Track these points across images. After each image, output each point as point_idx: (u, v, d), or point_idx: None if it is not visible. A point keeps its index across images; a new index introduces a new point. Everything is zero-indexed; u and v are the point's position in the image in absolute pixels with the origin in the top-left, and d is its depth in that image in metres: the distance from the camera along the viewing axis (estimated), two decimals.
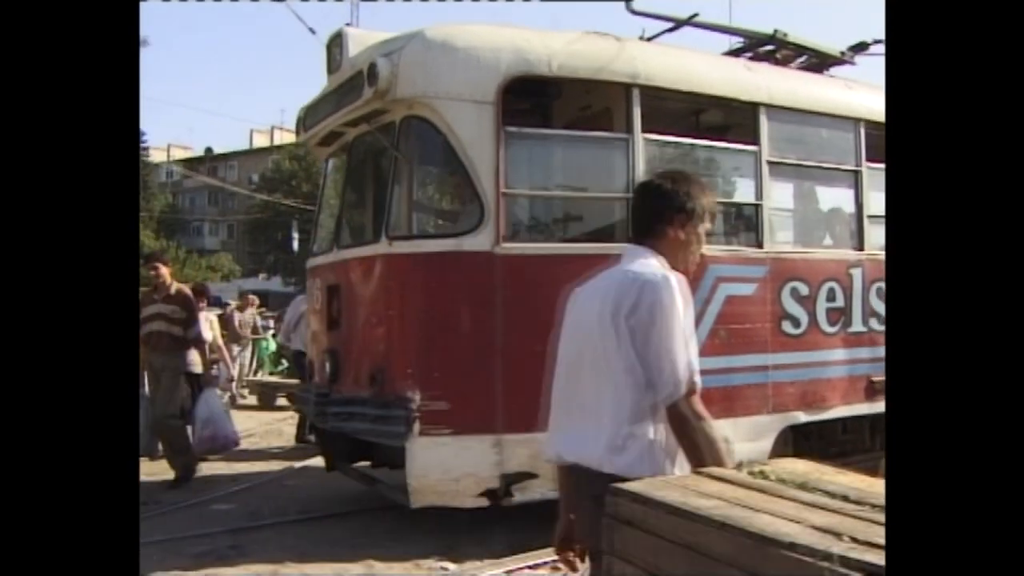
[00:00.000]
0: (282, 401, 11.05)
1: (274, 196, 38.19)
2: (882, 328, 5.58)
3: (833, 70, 6.50)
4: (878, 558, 1.15)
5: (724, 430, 2.31)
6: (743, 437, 4.98)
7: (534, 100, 5.47)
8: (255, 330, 13.73)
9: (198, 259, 39.15)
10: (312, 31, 9.02)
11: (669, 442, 2.00)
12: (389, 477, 5.37)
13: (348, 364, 5.25)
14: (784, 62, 6.31)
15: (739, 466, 1.84)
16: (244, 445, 8.12)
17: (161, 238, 38.37)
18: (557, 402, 2.18)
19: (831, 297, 5.53)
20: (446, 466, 4.60)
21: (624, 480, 1.78)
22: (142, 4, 1.85)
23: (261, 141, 52.61)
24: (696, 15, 5.89)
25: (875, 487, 1.55)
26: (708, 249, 2.61)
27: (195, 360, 6.91)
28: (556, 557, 2.38)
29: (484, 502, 4.65)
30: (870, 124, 5.67)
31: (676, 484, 1.63)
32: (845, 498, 1.48)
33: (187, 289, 6.96)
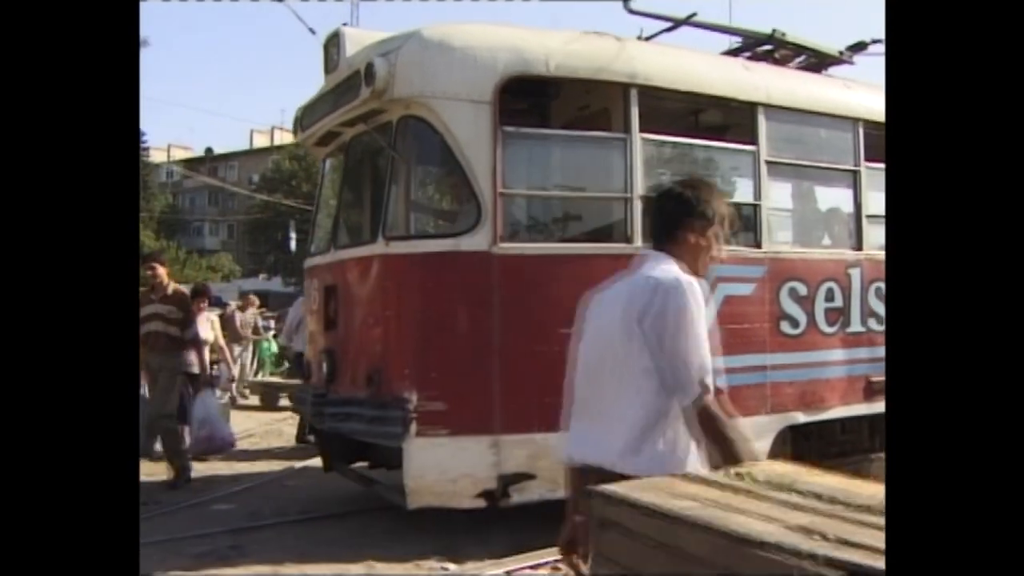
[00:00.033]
0: (285, 402, 11.04)
1: (274, 196, 38.09)
2: (881, 328, 5.59)
3: (832, 70, 6.50)
4: (851, 555, 1.16)
5: None
6: None
7: (531, 100, 5.46)
8: (256, 330, 13.74)
9: (198, 259, 39.19)
10: (312, 31, 9.01)
11: (682, 444, 2.04)
12: (386, 478, 5.36)
13: (345, 364, 5.24)
14: (783, 62, 6.31)
15: (719, 468, 1.86)
16: (244, 445, 8.15)
17: (161, 238, 38.39)
18: (575, 405, 2.21)
19: (830, 297, 5.53)
20: (443, 467, 4.58)
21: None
22: (142, 4, 1.85)
23: (261, 141, 52.55)
24: (694, 15, 5.88)
25: (853, 487, 1.56)
26: None
27: (192, 360, 6.92)
28: (557, 558, 2.39)
29: (481, 503, 4.63)
30: (869, 124, 5.67)
31: (655, 486, 1.64)
32: (820, 498, 1.50)
33: (184, 289, 6.97)
